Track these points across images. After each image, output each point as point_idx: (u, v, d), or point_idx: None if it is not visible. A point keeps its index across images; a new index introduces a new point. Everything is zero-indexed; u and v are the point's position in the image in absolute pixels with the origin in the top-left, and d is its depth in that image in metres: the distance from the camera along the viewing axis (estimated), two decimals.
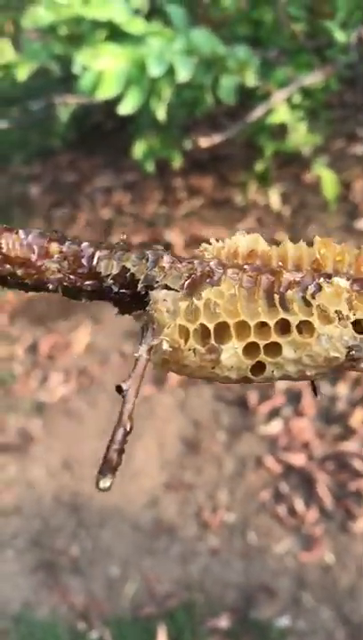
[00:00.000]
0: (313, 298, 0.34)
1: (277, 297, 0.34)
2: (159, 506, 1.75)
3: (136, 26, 1.32)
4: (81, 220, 2.90)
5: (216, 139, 1.42)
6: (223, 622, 1.51)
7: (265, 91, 1.43)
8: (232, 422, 1.89)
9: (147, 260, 0.37)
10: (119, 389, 0.34)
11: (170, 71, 1.20)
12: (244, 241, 0.37)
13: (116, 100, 1.39)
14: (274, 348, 0.35)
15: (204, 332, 0.35)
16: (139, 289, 0.36)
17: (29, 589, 1.66)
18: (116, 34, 1.34)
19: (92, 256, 0.37)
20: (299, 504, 1.67)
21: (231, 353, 0.34)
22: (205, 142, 1.41)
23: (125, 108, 1.26)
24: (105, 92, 1.21)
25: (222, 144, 1.97)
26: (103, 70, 1.19)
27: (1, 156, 3.52)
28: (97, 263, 0.37)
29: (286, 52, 1.55)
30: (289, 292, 0.34)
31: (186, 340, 0.34)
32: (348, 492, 1.67)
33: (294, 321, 0.34)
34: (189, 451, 1.86)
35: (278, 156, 2.17)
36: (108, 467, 0.34)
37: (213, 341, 0.34)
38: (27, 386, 2.19)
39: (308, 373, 0.35)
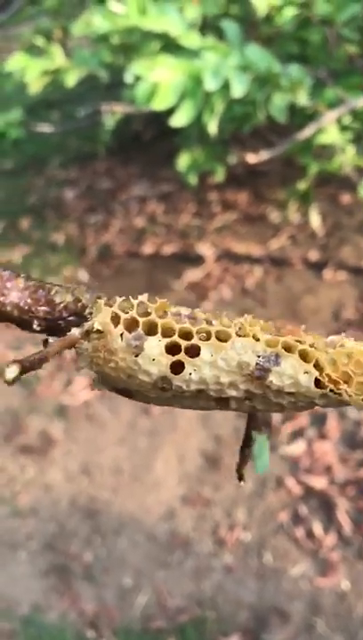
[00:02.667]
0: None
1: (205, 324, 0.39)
2: (176, 519, 1.74)
3: (192, 39, 1.32)
4: (114, 227, 2.91)
5: (264, 155, 1.42)
6: None
7: (313, 110, 1.43)
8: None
9: (99, 297, 0.41)
10: (45, 342, 0.39)
11: (225, 86, 1.20)
12: (186, 310, 0.40)
13: (164, 112, 1.40)
14: (194, 354, 0.38)
15: (134, 325, 0.38)
16: (85, 314, 0.40)
17: (40, 592, 1.65)
18: (169, 46, 1.35)
19: (51, 289, 0.42)
20: (317, 528, 1.65)
21: (155, 344, 0.38)
22: (252, 158, 1.40)
23: (179, 120, 1.26)
24: (160, 104, 1.21)
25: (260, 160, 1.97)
26: (159, 82, 1.19)
27: (39, 159, 3.56)
28: (54, 294, 0.41)
29: (334, 73, 1.55)
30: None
31: (116, 326, 0.38)
32: None
33: (213, 330, 0.38)
34: (209, 466, 1.84)
35: (316, 176, 2.17)
36: (20, 364, 0.38)
37: (140, 329, 0.38)
38: (50, 388, 2.20)
39: (222, 380, 0.38)
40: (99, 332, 0.38)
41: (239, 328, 0.38)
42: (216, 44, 1.32)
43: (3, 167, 3.61)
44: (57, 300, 0.41)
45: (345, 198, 2.65)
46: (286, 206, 2.27)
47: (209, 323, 0.39)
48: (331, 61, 1.63)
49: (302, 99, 1.32)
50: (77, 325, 0.40)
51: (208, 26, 1.63)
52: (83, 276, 2.66)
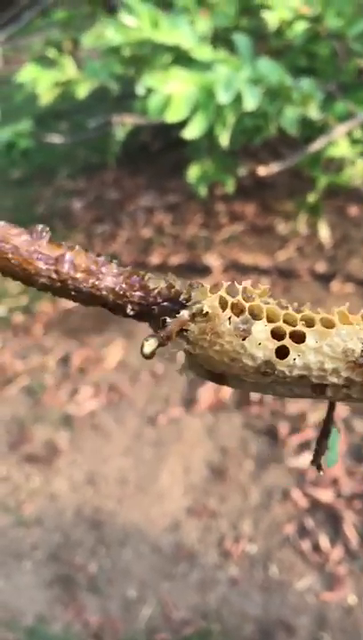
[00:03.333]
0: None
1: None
2: (181, 530, 1.73)
3: (204, 52, 1.33)
4: (121, 238, 2.92)
5: (274, 167, 1.43)
6: None
7: (324, 123, 1.43)
8: (261, 452, 1.87)
9: (191, 285, 0.42)
10: (163, 322, 0.40)
11: (237, 99, 1.21)
12: (284, 301, 0.41)
13: (172, 124, 1.40)
14: (299, 338, 0.39)
15: (240, 309, 0.39)
16: (181, 299, 0.41)
17: (44, 603, 1.64)
18: (180, 58, 1.36)
19: (144, 275, 0.43)
20: (324, 541, 1.64)
21: (262, 329, 0.39)
22: (262, 171, 1.41)
23: (191, 132, 1.27)
24: (173, 116, 1.22)
25: None
26: (172, 94, 1.20)
27: (48, 170, 3.58)
28: (147, 280, 0.42)
29: (344, 87, 1.55)
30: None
31: (224, 310, 0.39)
32: None
33: (317, 317, 0.39)
34: (214, 477, 1.84)
35: (324, 188, 2.17)
36: (156, 338, 0.39)
37: (247, 314, 0.39)
38: (56, 398, 2.20)
39: (326, 367, 0.38)
40: (206, 315, 0.39)
41: (342, 316, 0.39)
42: (228, 57, 1.32)
43: (11, 177, 3.63)
44: (151, 285, 0.42)
45: (353, 210, 2.65)
46: (296, 218, 2.28)
47: (300, 311, 0.39)
48: (340, 75, 1.64)
49: (313, 112, 1.33)
50: (171, 311, 0.41)
51: (219, 39, 1.64)
52: None
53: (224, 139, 1.33)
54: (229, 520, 1.73)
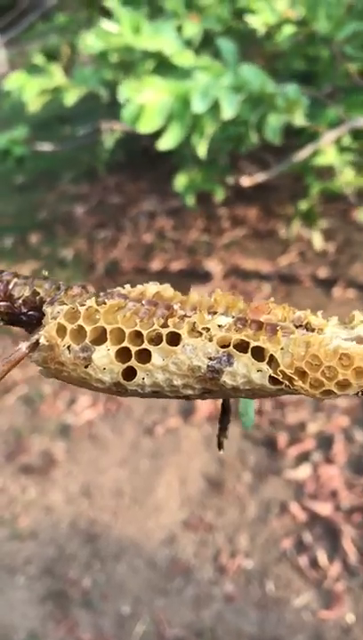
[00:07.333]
0: (189, 318, 0.37)
1: (161, 320, 0.38)
2: (177, 544, 1.70)
3: (185, 58, 1.29)
4: (123, 243, 2.89)
5: (259, 177, 1.39)
6: None
7: (313, 130, 1.39)
8: (259, 463, 1.83)
9: (58, 288, 0.40)
10: None
11: (215, 107, 1.17)
12: (153, 287, 0.39)
13: (159, 133, 1.37)
14: (145, 357, 0.37)
15: (81, 334, 0.37)
16: (43, 309, 0.39)
17: (37, 619, 1.62)
18: (162, 65, 1.32)
19: (9, 282, 0.41)
20: (322, 556, 1.60)
21: (104, 354, 0.37)
22: (246, 181, 1.37)
23: (166, 143, 1.23)
24: (145, 126, 1.19)
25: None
26: (145, 104, 1.16)
27: (50, 175, 3.56)
28: (12, 287, 0.41)
29: (340, 90, 1.51)
30: (173, 319, 0.38)
31: (63, 339, 0.37)
32: None
33: (164, 332, 0.37)
34: (211, 489, 1.80)
35: (326, 192, 2.13)
36: None
37: (87, 341, 0.37)
38: (54, 407, 2.17)
39: (175, 383, 0.37)
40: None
41: (194, 323, 0.37)
42: (210, 62, 1.29)
43: (15, 182, 3.62)
44: (15, 294, 0.41)
45: (356, 214, 2.60)
46: (291, 224, 2.23)
47: (170, 309, 0.38)
48: (337, 79, 1.59)
49: (299, 119, 1.29)
50: (38, 321, 0.40)
51: (209, 43, 1.60)
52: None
53: (202, 149, 1.29)
54: (225, 534, 1.70)
